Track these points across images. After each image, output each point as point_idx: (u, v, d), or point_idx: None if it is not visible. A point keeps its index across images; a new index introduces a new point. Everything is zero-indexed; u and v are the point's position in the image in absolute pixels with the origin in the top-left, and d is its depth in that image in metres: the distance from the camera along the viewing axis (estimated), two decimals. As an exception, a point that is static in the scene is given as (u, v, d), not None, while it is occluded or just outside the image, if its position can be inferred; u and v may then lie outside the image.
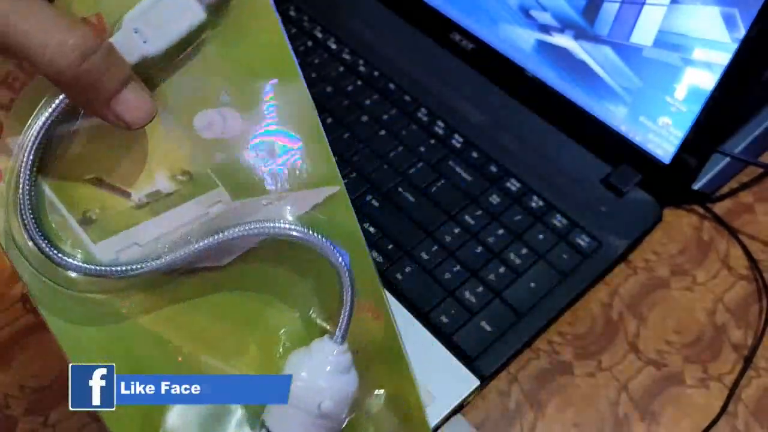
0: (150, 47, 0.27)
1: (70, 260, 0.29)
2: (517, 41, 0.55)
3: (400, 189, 0.52)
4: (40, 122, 0.27)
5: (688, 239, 0.52)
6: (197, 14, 0.28)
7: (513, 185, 0.52)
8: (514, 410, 0.45)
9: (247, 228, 0.29)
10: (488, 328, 0.45)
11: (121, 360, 0.30)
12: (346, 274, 0.30)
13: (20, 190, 0.28)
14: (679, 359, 0.47)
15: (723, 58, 0.44)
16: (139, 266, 0.29)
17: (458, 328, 0.45)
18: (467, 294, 0.47)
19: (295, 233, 0.30)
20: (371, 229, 0.49)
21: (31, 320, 0.49)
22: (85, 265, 0.29)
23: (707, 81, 0.45)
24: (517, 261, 0.48)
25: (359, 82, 0.58)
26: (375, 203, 0.51)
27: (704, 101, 0.46)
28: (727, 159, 0.52)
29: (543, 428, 0.44)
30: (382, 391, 0.34)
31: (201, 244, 0.29)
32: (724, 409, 0.44)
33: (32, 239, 0.28)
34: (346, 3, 0.64)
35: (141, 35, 0.27)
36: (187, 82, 0.29)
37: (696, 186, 0.52)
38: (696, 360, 0.46)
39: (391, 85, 0.58)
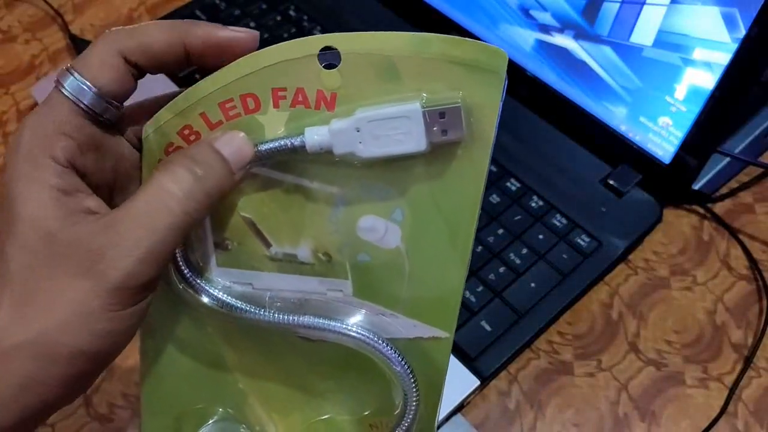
0: (361, 150, 0.27)
1: (204, 285, 0.30)
2: (517, 41, 0.55)
3: (400, 189, 0.52)
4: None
5: (688, 239, 0.52)
6: (420, 145, 0.27)
7: (513, 185, 0.52)
8: (514, 410, 0.45)
9: (344, 328, 0.30)
10: (488, 328, 0.45)
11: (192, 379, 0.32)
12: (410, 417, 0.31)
13: None
14: (679, 359, 0.47)
15: (723, 58, 0.44)
16: (256, 310, 0.30)
17: (458, 328, 0.45)
18: (467, 294, 0.47)
19: (381, 352, 0.30)
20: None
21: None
22: (220, 294, 0.30)
23: (707, 81, 0.45)
24: (517, 261, 0.48)
25: (359, 82, 0.58)
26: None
27: (704, 101, 0.46)
28: (727, 159, 0.52)
29: (543, 428, 0.44)
30: None
31: (303, 319, 0.30)
32: (724, 409, 0.44)
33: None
34: (346, 3, 0.64)
35: (360, 136, 0.27)
36: (374, 184, 0.29)
37: (696, 186, 0.52)
38: (696, 360, 0.46)
39: (391, 85, 0.58)
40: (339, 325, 0.30)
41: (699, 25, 0.44)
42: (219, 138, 0.27)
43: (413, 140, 0.27)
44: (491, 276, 0.47)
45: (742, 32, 0.42)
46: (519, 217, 0.50)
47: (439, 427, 0.43)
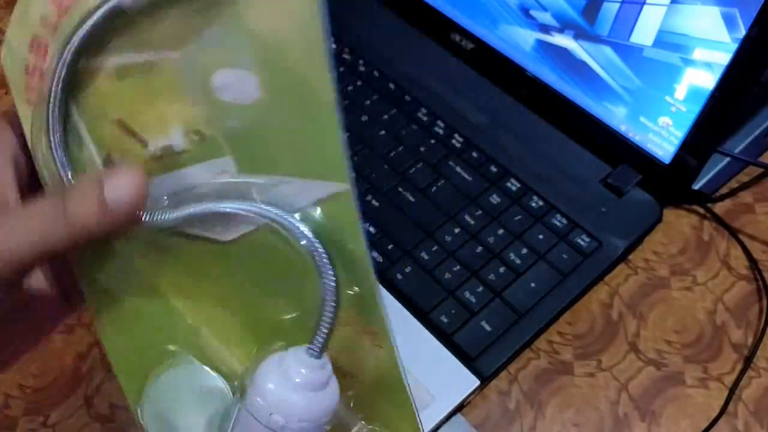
0: None
1: None
2: (517, 41, 0.55)
3: (400, 189, 0.52)
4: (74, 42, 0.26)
5: (688, 239, 0.52)
6: None
7: (513, 185, 0.52)
8: (514, 410, 0.45)
9: (238, 206, 0.28)
10: (488, 328, 0.45)
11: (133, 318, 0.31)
12: (331, 289, 0.28)
13: (50, 116, 0.27)
14: (679, 359, 0.47)
15: (723, 58, 0.44)
16: (162, 215, 0.27)
17: (458, 328, 0.45)
18: (467, 294, 0.47)
19: (286, 223, 0.27)
20: (371, 229, 0.49)
21: (31, 320, 0.49)
22: None
23: (707, 81, 0.45)
24: (517, 261, 0.48)
25: (359, 82, 0.58)
26: (375, 203, 0.51)
27: (704, 101, 0.46)
28: (727, 159, 0.52)
29: (543, 428, 0.44)
30: (373, 426, 0.32)
31: (192, 209, 0.28)
32: (724, 409, 0.44)
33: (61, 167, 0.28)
34: (346, 3, 0.64)
35: None
36: (209, 31, 0.26)
37: (696, 186, 0.52)
38: (696, 360, 0.46)
39: (391, 85, 0.58)
40: (220, 204, 0.27)
41: (699, 25, 0.44)
42: (110, 180, 0.26)
43: None
44: (491, 276, 0.47)
45: (742, 32, 0.42)
46: (519, 217, 0.50)
47: (438, 427, 0.43)
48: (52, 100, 0.27)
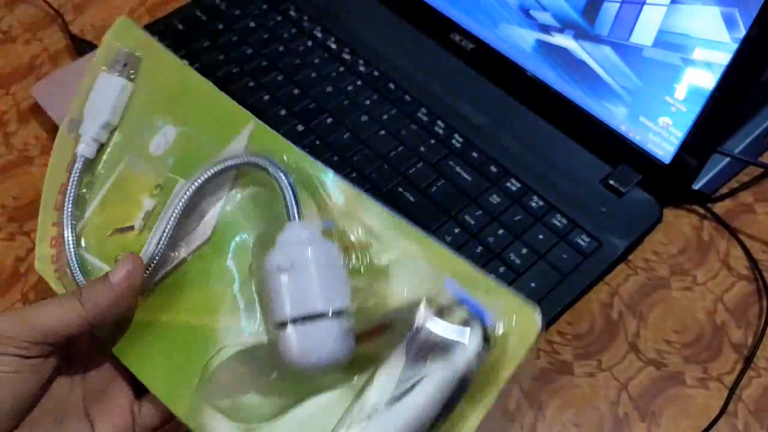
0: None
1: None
2: (517, 41, 0.55)
3: (400, 189, 0.52)
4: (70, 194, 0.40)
5: (688, 239, 0.52)
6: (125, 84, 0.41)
7: (513, 185, 0.52)
8: (514, 410, 0.45)
9: (206, 170, 0.36)
10: (488, 328, 0.45)
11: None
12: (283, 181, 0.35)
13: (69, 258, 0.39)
14: (679, 359, 0.47)
15: (723, 58, 0.44)
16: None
17: (458, 328, 0.45)
18: (467, 294, 0.47)
19: (239, 160, 0.36)
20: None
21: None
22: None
23: (707, 81, 0.45)
24: (517, 261, 0.48)
25: (359, 82, 0.58)
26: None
27: (704, 101, 0.46)
28: (727, 159, 0.52)
29: (543, 428, 0.44)
30: None
31: (178, 203, 0.36)
32: (724, 409, 0.44)
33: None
34: (346, 3, 0.64)
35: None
36: (137, 125, 0.41)
37: (696, 186, 0.52)
38: (696, 360, 0.46)
39: (391, 85, 0.58)
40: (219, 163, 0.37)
41: (699, 25, 0.44)
42: (114, 270, 0.35)
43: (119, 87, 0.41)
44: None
45: (742, 32, 0.42)
46: (519, 217, 0.50)
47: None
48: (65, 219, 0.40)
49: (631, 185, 0.51)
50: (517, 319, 0.31)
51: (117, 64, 0.41)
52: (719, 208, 0.53)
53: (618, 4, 0.47)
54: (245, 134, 0.38)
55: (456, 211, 0.50)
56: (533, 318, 0.32)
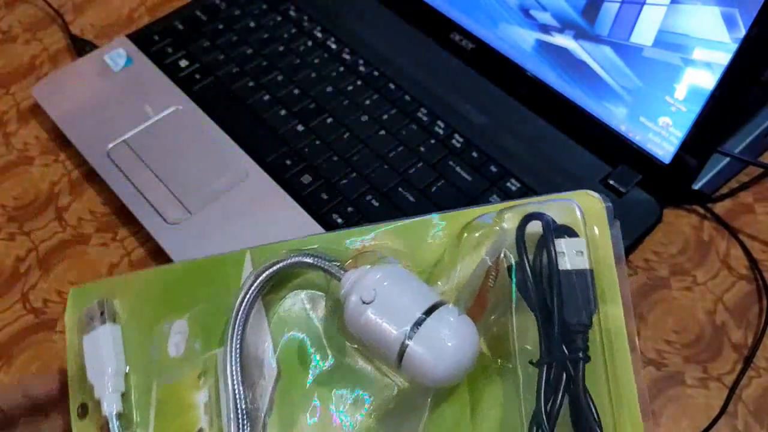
0: None
1: None
2: (516, 41, 0.55)
3: (400, 189, 0.52)
4: None
5: (688, 239, 0.52)
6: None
7: (513, 185, 0.52)
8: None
9: (236, 311, 0.35)
10: (488, 328, 0.45)
11: None
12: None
13: None
14: (679, 359, 0.47)
15: (723, 58, 0.44)
16: None
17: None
18: (467, 294, 0.46)
19: (259, 278, 0.35)
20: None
21: (31, 320, 0.49)
22: None
23: (707, 81, 0.45)
24: (517, 261, 0.48)
25: (359, 82, 0.58)
26: (375, 203, 0.51)
27: (704, 101, 0.46)
28: (727, 159, 0.52)
29: (543, 428, 0.44)
30: None
31: (231, 359, 0.35)
32: (724, 409, 0.44)
33: None
34: (346, 3, 0.64)
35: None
36: (145, 348, 0.38)
37: (696, 186, 0.52)
38: (696, 360, 0.46)
39: (391, 85, 0.58)
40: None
41: (699, 25, 0.44)
42: None
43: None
44: (491, 276, 0.47)
45: (742, 32, 0.42)
46: (519, 217, 0.50)
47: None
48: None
49: (631, 185, 0.51)
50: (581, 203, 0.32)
51: (94, 320, 0.38)
52: (719, 208, 0.53)
53: (618, 4, 0.47)
54: (248, 265, 0.37)
55: (456, 211, 0.50)
56: (593, 200, 0.32)
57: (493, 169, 0.52)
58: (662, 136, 0.49)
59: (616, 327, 0.31)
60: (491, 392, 0.32)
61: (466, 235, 0.34)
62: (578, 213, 0.32)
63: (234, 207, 0.51)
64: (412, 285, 0.33)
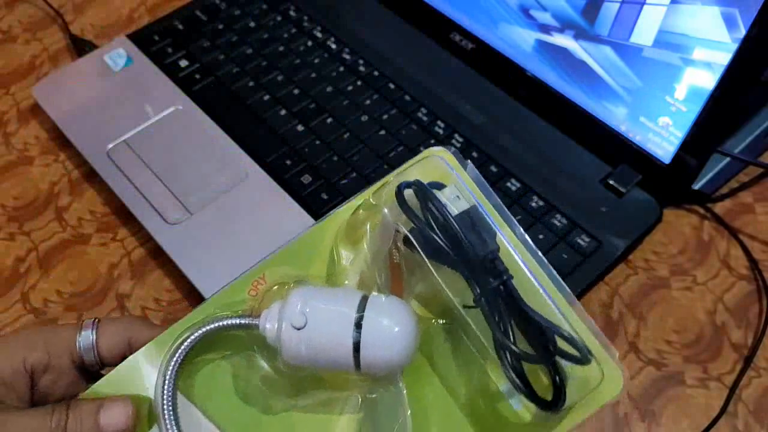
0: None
1: None
2: (517, 41, 0.55)
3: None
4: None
5: (688, 239, 0.52)
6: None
7: (513, 185, 0.52)
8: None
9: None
10: (488, 328, 0.45)
11: None
12: None
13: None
14: (679, 359, 0.47)
15: (723, 58, 0.44)
16: None
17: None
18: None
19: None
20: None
21: (31, 320, 0.49)
22: None
23: (707, 81, 0.45)
24: (517, 261, 0.48)
25: (359, 82, 0.58)
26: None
27: (704, 101, 0.46)
28: (727, 159, 0.52)
29: (543, 428, 0.44)
30: None
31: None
32: (724, 409, 0.44)
33: None
34: (346, 3, 0.64)
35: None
36: None
37: (696, 186, 0.52)
38: (696, 360, 0.46)
39: (391, 85, 0.58)
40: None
41: (699, 25, 0.44)
42: (106, 406, 0.32)
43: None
44: (491, 276, 0.47)
45: (742, 32, 0.42)
46: (519, 217, 0.50)
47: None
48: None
49: (631, 185, 0.51)
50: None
51: None
52: (719, 208, 0.53)
53: (618, 4, 0.47)
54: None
55: (456, 211, 0.50)
56: (442, 152, 0.36)
57: (494, 169, 0.52)
58: (662, 136, 0.49)
59: (512, 239, 0.34)
60: (446, 350, 0.34)
61: (352, 229, 0.36)
62: (445, 164, 0.35)
63: (234, 207, 0.51)
64: (330, 293, 0.33)
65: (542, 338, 0.31)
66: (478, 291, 0.31)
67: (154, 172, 0.53)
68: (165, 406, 0.32)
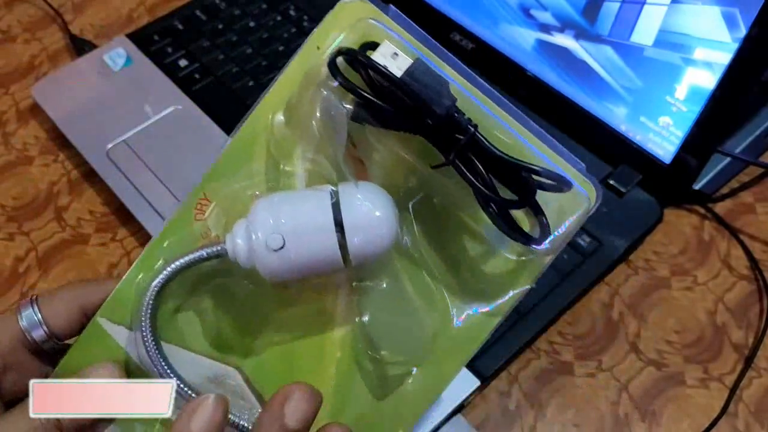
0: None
1: None
2: (517, 41, 0.55)
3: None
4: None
5: (688, 239, 0.52)
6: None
7: (513, 185, 0.51)
8: (514, 410, 0.45)
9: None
10: (488, 328, 0.45)
11: None
12: None
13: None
14: (679, 359, 0.46)
15: (723, 58, 0.44)
16: None
17: (458, 328, 0.45)
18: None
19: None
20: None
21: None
22: None
23: (708, 81, 0.45)
24: (518, 261, 0.48)
25: (359, 82, 0.58)
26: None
27: (705, 101, 0.46)
28: (728, 159, 0.52)
29: (543, 428, 0.44)
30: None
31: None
32: (724, 409, 0.44)
33: None
34: (346, 3, 0.64)
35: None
36: None
37: (696, 186, 0.52)
38: (696, 360, 0.46)
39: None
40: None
41: (699, 25, 0.44)
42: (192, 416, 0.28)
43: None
44: (491, 276, 0.47)
45: (742, 32, 0.42)
46: (519, 217, 0.50)
47: (439, 428, 0.43)
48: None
49: (632, 185, 0.51)
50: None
51: None
52: (720, 208, 0.53)
53: (618, 4, 0.47)
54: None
55: (456, 211, 0.50)
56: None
57: (494, 169, 0.52)
58: (663, 136, 0.49)
59: (459, 80, 0.33)
60: (433, 220, 0.33)
61: (290, 118, 0.33)
62: (375, 24, 0.32)
63: (234, 207, 0.51)
64: (295, 197, 0.30)
65: (520, 179, 0.30)
66: (448, 152, 0.29)
67: (153, 172, 0.53)
68: (152, 356, 0.31)
